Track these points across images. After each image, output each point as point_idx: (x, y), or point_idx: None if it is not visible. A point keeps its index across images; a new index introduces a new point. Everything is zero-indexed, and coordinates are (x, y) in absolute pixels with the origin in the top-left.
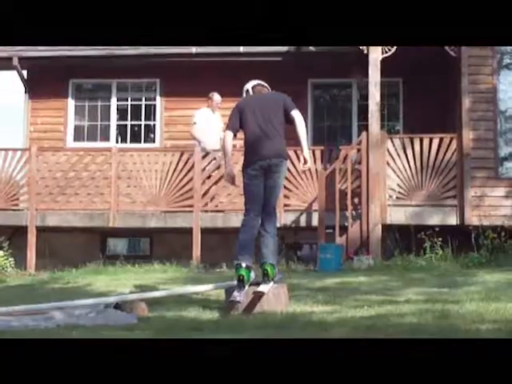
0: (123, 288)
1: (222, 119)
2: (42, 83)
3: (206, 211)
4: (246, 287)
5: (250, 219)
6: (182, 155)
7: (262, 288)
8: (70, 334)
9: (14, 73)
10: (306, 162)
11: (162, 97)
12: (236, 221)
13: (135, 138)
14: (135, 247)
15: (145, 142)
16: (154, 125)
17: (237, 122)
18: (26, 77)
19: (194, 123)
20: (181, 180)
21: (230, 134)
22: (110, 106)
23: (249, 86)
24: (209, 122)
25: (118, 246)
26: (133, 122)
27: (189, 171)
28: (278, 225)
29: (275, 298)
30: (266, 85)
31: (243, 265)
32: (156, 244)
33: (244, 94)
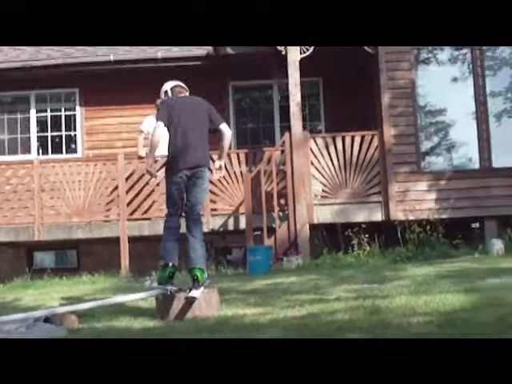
0: (52, 301)
1: None
2: None
3: (133, 219)
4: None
5: (172, 220)
6: (104, 164)
7: (194, 293)
8: None
9: None
10: (221, 168)
11: (82, 106)
12: (162, 228)
13: (56, 149)
14: (63, 260)
15: (67, 152)
16: (75, 135)
17: (167, 117)
18: None
19: (141, 131)
20: (105, 189)
21: (161, 124)
22: (29, 117)
23: (167, 86)
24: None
25: (45, 259)
26: (53, 133)
27: (113, 180)
28: (206, 230)
29: (206, 303)
30: (184, 86)
31: (170, 264)
32: (83, 255)
33: (162, 96)
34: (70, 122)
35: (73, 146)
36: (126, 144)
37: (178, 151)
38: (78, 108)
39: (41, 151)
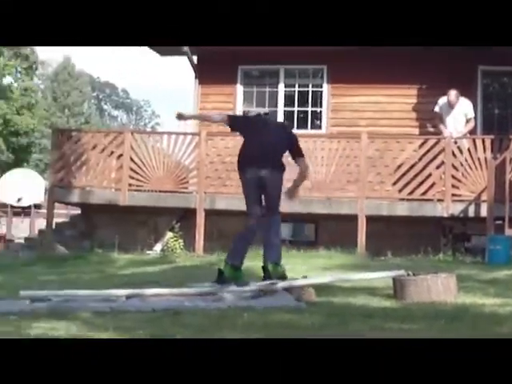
0: (289, 272)
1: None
2: (212, 69)
3: (372, 198)
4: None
5: (251, 226)
6: (348, 142)
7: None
8: (242, 315)
9: (185, 58)
10: (290, 193)
11: (329, 83)
12: (401, 209)
13: (302, 124)
14: (299, 232)
15: (311, 128)
16: (321, 111)
17: (236, 122)
18: (195, 62)
19: (435, 111)
20: (347, 166)
21: (223, 117)
22: (277, 92)
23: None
24: (445, 113)
25: (283, 230)
26: (299, 108)
27: (355, 157)
28: (445, 215)
29: (444, 289)
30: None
31: (229, 263)
32: (321, 230)
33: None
34: (316, 98)
35: (317, 122)
36: (369, 123)
37: (253, 155)
38: (324, 85)
39: None
